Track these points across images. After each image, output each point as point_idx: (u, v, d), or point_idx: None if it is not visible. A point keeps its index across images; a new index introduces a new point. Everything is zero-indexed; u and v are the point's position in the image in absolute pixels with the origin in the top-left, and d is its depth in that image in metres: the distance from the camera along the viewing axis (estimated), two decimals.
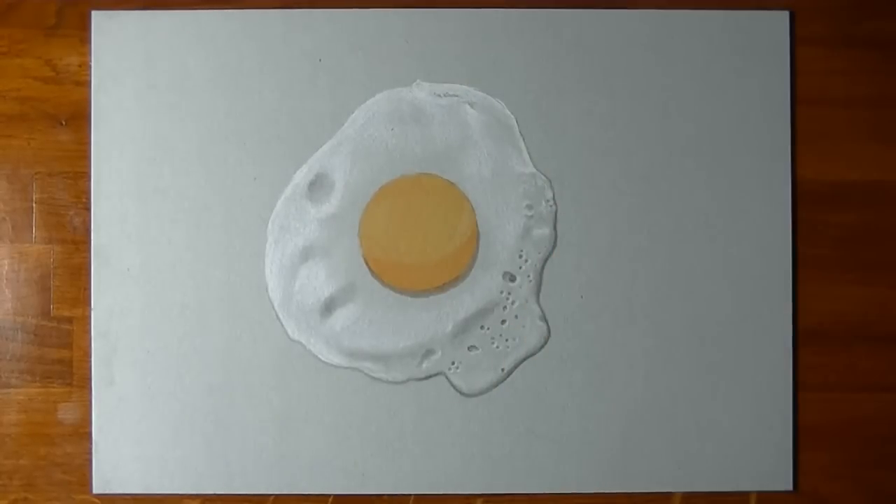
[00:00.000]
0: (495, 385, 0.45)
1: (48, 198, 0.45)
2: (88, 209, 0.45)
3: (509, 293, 0.45)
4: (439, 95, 0.45)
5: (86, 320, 0.45)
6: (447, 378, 0.45)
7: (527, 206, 0.45)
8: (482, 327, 0.45)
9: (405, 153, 0.45)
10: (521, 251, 0.45)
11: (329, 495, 0.45)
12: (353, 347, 0.45)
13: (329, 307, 0.45)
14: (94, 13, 0.45)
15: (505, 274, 0.45)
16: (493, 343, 0.45)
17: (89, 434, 0.45)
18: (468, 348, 0.45)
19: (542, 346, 0.45)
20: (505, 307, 0.45)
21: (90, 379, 0.45)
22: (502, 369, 0.45)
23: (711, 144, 0.45)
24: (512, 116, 0.45)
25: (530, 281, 0.45)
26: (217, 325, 0.45)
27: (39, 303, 0.45)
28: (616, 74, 0.45)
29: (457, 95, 0.45)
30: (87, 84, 0.45)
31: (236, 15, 0.45)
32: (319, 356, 0.45)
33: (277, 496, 0.45)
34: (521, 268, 0.45)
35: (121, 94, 0.45)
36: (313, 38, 0.45)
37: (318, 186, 0.45)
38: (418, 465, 0.45)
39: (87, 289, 0.45)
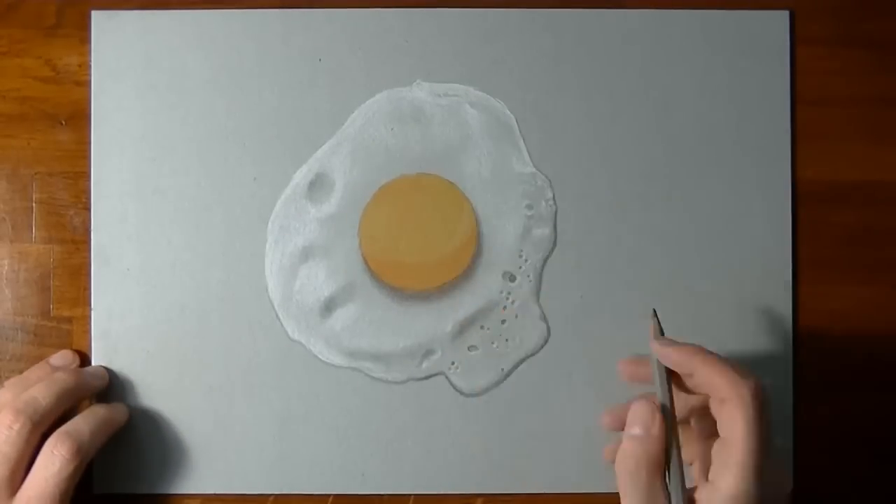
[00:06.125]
0: (495, 385, 0.45)
1: (48, 198, 0.45)
2: (88, 209, 0.45)
3: (509, 293, 0.45)
4: (439, 95, 0.45)
5: (86, 320, 0.45)
6: (447, 378, 0.45)
7: (527, 205, 0.45)
8: (482, 327, 0.45)
9: (405, 153, 0.45)
10: (521, 251, 0.45)
11: (329, 495, 0.45)
12: (353, 347, 0.45)
13: (329, 307, 0.45)
14: (94, 13, 0.45)
15: (505, 274, 0.45)
16: (492, 343, 0.45)
17: None
18: (468, 348, 0.45)
19: (542, 346, 0.45)
20: (505, 307, 0.45)
21: None
22: (502, 369, 0.45)
23: (711, 144, 0.45)
24: (512, 116, 0.45)
25: (530, 281, 0.45)
26: (217, 325, 0.45)
27: (39, 303, 0.45)
28: (616, 74, 0.45)
29: (457, 95, 0.45)
30: (87, 84, 0.45)
31: (236, 15, 0.45)
32: (319, 356, 0.45)
33: (277, 496, 0.45)
34: (521, 268, 0.45)
35: (121, 94, 0.45)
36: (313, 38, 0.45)
37: (318, 186, 0.45)
38: (418, 465, 0.45)
39: (87, 289, 0.45)
